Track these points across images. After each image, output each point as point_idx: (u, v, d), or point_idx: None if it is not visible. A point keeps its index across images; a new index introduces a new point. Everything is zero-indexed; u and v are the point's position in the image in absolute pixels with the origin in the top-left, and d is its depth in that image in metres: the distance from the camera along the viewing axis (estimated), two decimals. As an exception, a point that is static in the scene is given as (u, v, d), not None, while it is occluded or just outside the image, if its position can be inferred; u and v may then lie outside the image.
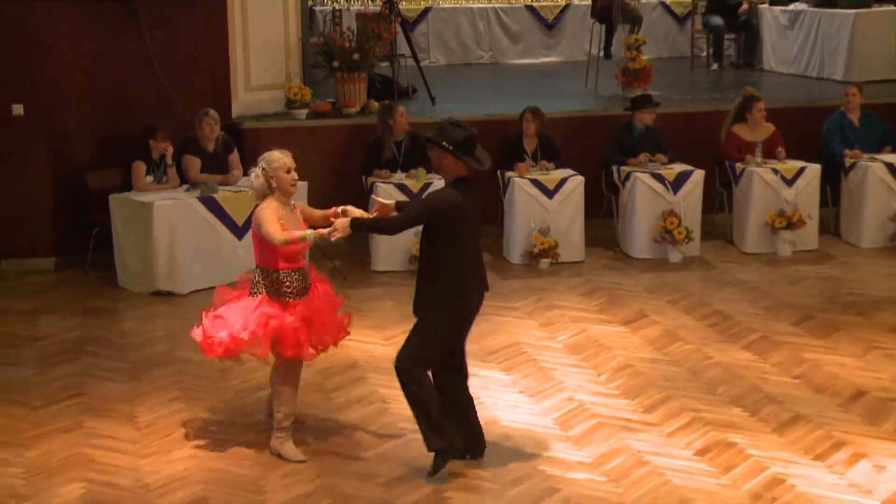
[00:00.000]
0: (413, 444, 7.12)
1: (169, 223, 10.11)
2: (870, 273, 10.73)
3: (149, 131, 10.49)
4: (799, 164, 11.38)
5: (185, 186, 10.50)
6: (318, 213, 7.07)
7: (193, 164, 10.57)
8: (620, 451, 7.05)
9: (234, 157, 10.79)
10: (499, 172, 11.18)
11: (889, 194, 11.44)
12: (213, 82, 11.38)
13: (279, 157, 6.71)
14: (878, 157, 11.56)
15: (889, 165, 11.47)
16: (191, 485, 6.68)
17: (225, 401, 7.90)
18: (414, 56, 13.57)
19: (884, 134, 11.80)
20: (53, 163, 10.99)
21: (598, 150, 11.56)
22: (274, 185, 6.68)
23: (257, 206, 6.82)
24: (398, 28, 13.29)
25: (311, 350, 6.98)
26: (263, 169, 6.70)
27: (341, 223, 6.57)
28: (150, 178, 10.47)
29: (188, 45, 11.21)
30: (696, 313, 9.59)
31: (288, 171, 6.70)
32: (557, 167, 11.20)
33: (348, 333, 7.32)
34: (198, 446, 7.19)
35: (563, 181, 11.00)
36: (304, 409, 7.71)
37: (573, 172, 11.12)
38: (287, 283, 6.81)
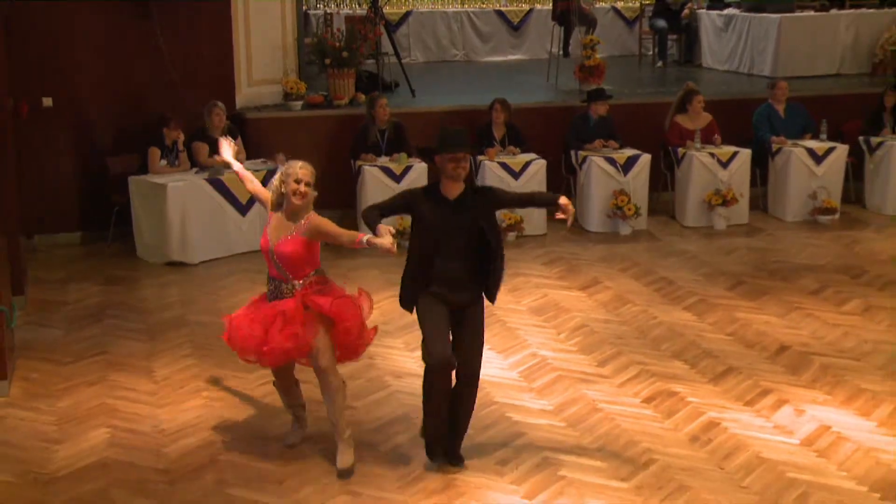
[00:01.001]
0: (395, 397, 7.13)
1: (181, 202, 10.08)
2: (792, 244, 10.77)
3: (162, 121, 10.46)
4: (732, 149, 11.40)
5: (194, 169, 10.47)
6: (346, 235, 6.05)
7: (202, 149, 10.55)
8: (577, 400, 7.07)
9: (238, 143, 10.70)
10: (471, 157, 11.13)
11: (809, 175, 11.48)
12: (218, 77, 11.33)
13: (293, 166, 6.08)
14: (800, 143, 11.59)
15: (809, 150, 11.50)
16: (201, 431, 6.68)
17: (231, 358, 7.85)
18: (396, 54, 13.56)
19: (805, 123, 11.83)
20: (78, 149, 10.97)
21: (558, 137, 11.56)
22: (283, 190, 6.05)
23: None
24: (382, 29, 13.26)
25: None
26: (281, 173, 6.15)
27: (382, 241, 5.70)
28: (163, 162, 10.43)
29: (197, 44, 11.16)
30: (643, 279, 9.61)
31: (297, 182, 5.98)
32: (523, 152, 11.19)
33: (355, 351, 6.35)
34: (207, 397, 7.19)
35: (527, 164, 11.00)
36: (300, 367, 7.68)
37: (536, 156, 11.11)
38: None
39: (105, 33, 10.88)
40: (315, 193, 6.11)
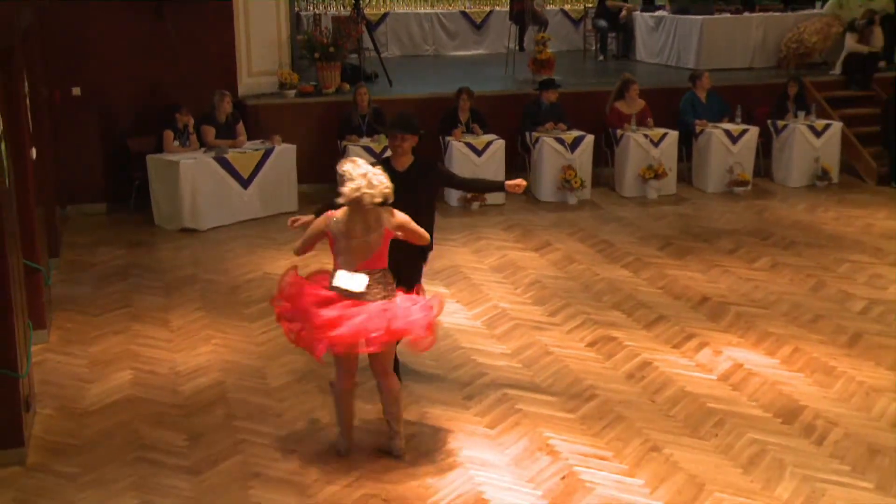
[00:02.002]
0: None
1: (191, 177, 9.99)
2: (713, 211, 10.82)
3: (175, 107, 10.37)
4: (662, 130, 11.41)
5: (203, 149, 10.36)
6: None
7: (209, 132, 10.45)
8: (532, 345, 7.11)
9: (241, 126, 10.69)
10: (440, 137, 11.12)
11: (726, 153, 11.51)
12: (223, 69, 11.21)
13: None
14: (719, 125, 11.61)
15: (727, 131, 11.53)
16: (212, 372, 6.67)
17: (237, 311, 7.85)
18: (376, 49, 13.47)
19: (723, 108, 11.84)
20: (103, 132, 10.84)
21: (515, 121, 11.52)
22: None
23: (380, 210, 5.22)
24: (363, 28, 13.15)
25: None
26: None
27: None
28: (176, 143, 10.34)
29: (204, 41, 11.03)
30: (587, 242, 9.63)
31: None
32: (484, 133, 11.15)
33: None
34: (216, 344, 7.16)
35: (488, 144, 10.95)
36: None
37: (496, 137, 11.06)
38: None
39: (125, 31, 10.73)
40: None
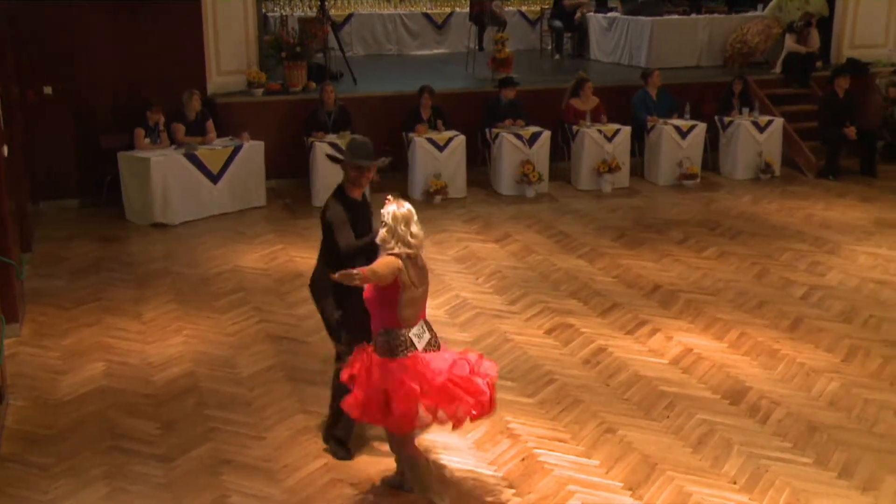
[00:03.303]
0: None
1: (162, 173, 9.84)
2: (664, 203, 10.87)
3: (146, 105, 10.20)
4: (616, 126, 11.43)
5: (173, 146, 10.21)
6: None
7: (179, 129, 10.29)
8: (493, 332, 7.09)
9: (210, 124, 10.54)
10: (403, 134, 11.06)
11: (676, 148, 11.56)
12: (193, 68, 11.04)
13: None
14: (670, 121, 11.65)
15: (676, 127, 11.58)
16: (183, 363, 6.58)
17: (208, 303, 7.75)
18: (341, 49, 13.35)
19: (672, 105, 11.89)
20: (75, 129, 10.63)
21: (475, 117, 11.47)
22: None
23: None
24: (329, 28, 13.04)
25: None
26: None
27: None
28: (147, 140, 10.17)
29: (174, 41, 10.87)
30: (545, 233, 9.64)
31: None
32: (446, 129, 11.10)
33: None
34: (188, 335, 7.07)
35: (450, 139, 10.90)
36: (266, 307, 7.61)
37: (457, 133, 11.01)
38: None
39: (97, 31, 10.51)
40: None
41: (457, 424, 4.58)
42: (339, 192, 5.17)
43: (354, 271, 4.38)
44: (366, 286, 4.52)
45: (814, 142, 12.20)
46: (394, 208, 4.54)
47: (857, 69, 12.64)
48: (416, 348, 4.52)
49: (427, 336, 4.61)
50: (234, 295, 7.85)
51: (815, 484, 5.04)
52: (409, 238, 4.50)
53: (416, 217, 4.58)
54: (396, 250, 4.49)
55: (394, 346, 4.51)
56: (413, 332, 4.54)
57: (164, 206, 9.89)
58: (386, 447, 5.07)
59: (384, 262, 4.48)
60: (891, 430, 5.60)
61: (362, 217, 5.14)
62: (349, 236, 5.00)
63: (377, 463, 5.21)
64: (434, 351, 4.63)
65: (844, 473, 5.14)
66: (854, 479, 5.08)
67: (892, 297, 7.78)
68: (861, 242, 9.23)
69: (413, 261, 4.54)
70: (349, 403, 4.59)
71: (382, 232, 4.54)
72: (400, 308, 4.51)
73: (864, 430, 5.60)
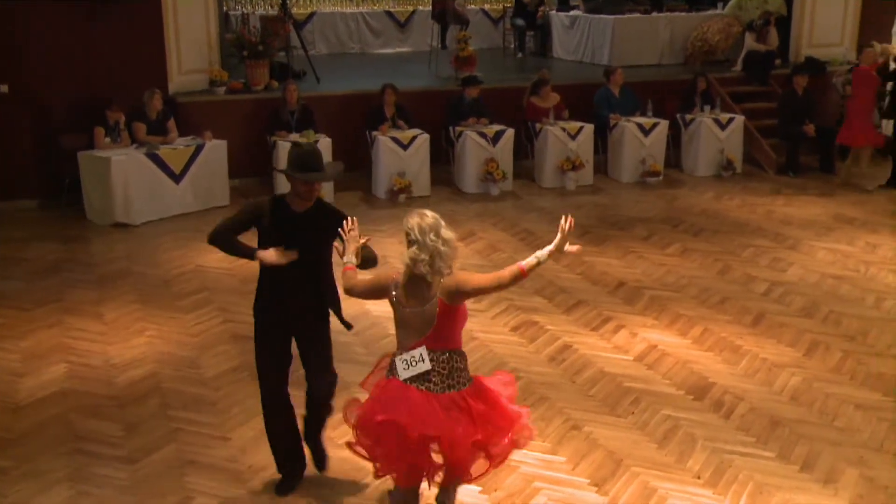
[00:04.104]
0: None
1: (123, 173, 9.73)
2: (627, 200, 10.95)
3: (106, 104, 10.06)
4: (579, 124, 11.49)
5: (134, 145, 10.10)
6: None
7: (140, 128, 10.18)
8: (458, 330, 7.08)
9: (172, 123, 10.44)
10: (367, 132, 11.03)
11: (639, 145, 11.65)
12: (154, 67, 10.95)
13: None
14: (632, 119, 11.74)
15: (639, 125, 11.67)
16: (146, 364, 6.51)
17: (171, 303, 7.67)
18: (303, 47, 13.27)
19: (635, 103, 11.98)
20: (34, 129, 10.47)
21: (439, 116, 11.48)
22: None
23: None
24: (291, 27, 12.96)
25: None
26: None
27: None
28: (107, 140, 10.06)
29: (135, 40, 10.75)
30: (509, 231, 9.66)
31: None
32: (410, 127, 11.09)
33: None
34: (150, 336, 6.99)
35: (414, 138, 10.89)
36: (230, 307, 7.53)
37: (421, 131, 11.00)
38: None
39: (55, 28, 10.37)
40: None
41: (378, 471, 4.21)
42: (278, 203, 4.69)
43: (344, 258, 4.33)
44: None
45: (774, 139, 12.36)
46: (417, 220, 4.11)
47: (816, 68, 12.83)
48: (395, 375, 4.13)
49: (422, 367, 4.08)
50: (197, 295, 7.78)
51: (778, 477, 5.10)
52: (441, 247, 4.06)
53: (443, 222, 4.16)
54: (423, 269, 4.05)
55: (390, 365, 4.23)
56: (400, 357, 4.13)
57: (125, 206, 9.77)
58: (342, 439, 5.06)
59: (374, 280, 4.30)
60: (850, 424, 5.69)
61: (301, 230, 4.64)
62: (228, 226, 4.72)
63: (342, 462, 5.18)
64: (424, 390, 4.07)
65: (806, 467, 5.21)
66: (815, 472, 5.15)
67: (850, 292, 7.90)
68: (820, 238, 9.36)
69: (416, 278, 4.11)
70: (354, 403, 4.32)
71: (412, 250, 4.09)
72: (395, 326, 4.25)
73: (825, 424, 5.68)
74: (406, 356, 4.13)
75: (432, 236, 4.09)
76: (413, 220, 4.13)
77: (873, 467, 5.21)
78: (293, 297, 4.71)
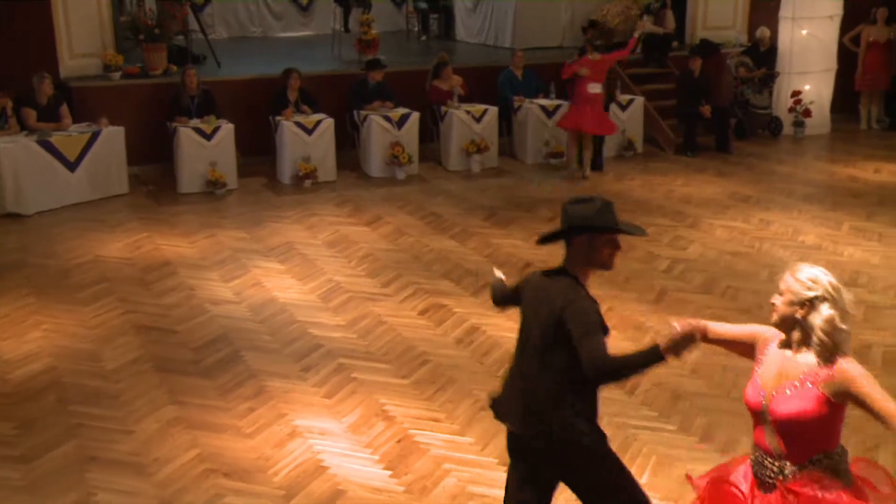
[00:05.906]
0: (214, 320, 6.89)
1: (13, 161, 9.36)
2: (532, 181, 11.03)
3: (-8, 90, 9.67)
4: (483, 106, 11.54)
5: (24, 132, 9.70)
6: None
7: (30, 114, 9.79)
8: (367, 315, 7.05)
9: (64, 109, 10.06)
10: (271, 117, 10.85)
11: (543, 127, 11.78)
12: (42, 50, 10.54)
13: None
14: (535, 101, 11.86)
15: (542, 107, 11.79)
16: (43, 358, 6.27)
17: (68, 295, 7.41)
18: (202, 31, 12.96)
19: (538, 85, 12.09)
20: (-86, 115, 9.96)
21: (343, 100, 11.37)
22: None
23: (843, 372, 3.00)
24: (189, 9, 12.62)
25: None
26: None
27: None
28: (-5, 127, 9.65)
29: (21, 22, 10.31)
30: (416, 214, 9.64)
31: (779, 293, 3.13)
32: (314, 112, 10.95)
33: None
34: (47, 330, 6.74)
35: (318, 122, 10.76)
36: (131, 297, 7.33)
37: (326, 116, 10.88)
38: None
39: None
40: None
41: None
42: (578, 285, 3.65)
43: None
44: None
45: (672, 120, 12.65)
46: (827, 277, 3.05)
47: (710, 50, 13.16)
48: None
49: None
50: (96, 286, 7.53)
51: (680, 449, 5.24)
52: (849, 309, 3.06)
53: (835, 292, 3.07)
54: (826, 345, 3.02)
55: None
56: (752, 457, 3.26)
57: (16, 195, 9.40)
58: (263, 438, 4.99)
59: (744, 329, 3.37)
60: (748, 394, 5.87)
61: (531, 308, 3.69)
62: (605, 347, 3.45)
63: (250, 451, 5.11)
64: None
65: (706, 437, 5.36)
66: (714, 443, 5.30)
67: (747, 267, 8.15)
68: (718, 216, 9.63)
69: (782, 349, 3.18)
70: None
71: (830, 313, 3.01)
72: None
73: (722, 396, 5.85)
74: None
75: (845, 296, 3.04)
76: (821, 276, 3.06)
77: (770, 436, 5.38)
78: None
